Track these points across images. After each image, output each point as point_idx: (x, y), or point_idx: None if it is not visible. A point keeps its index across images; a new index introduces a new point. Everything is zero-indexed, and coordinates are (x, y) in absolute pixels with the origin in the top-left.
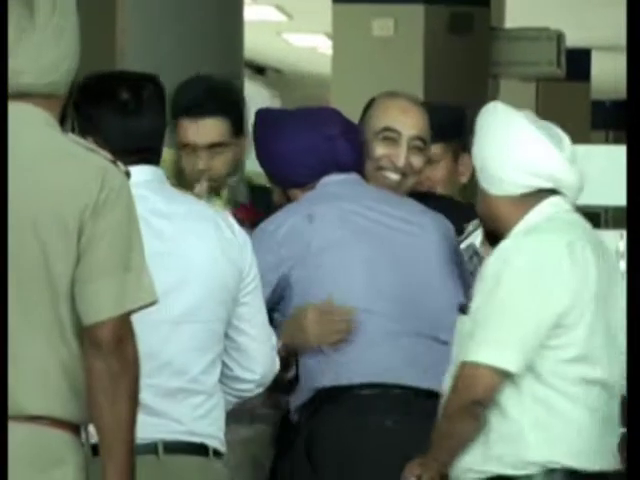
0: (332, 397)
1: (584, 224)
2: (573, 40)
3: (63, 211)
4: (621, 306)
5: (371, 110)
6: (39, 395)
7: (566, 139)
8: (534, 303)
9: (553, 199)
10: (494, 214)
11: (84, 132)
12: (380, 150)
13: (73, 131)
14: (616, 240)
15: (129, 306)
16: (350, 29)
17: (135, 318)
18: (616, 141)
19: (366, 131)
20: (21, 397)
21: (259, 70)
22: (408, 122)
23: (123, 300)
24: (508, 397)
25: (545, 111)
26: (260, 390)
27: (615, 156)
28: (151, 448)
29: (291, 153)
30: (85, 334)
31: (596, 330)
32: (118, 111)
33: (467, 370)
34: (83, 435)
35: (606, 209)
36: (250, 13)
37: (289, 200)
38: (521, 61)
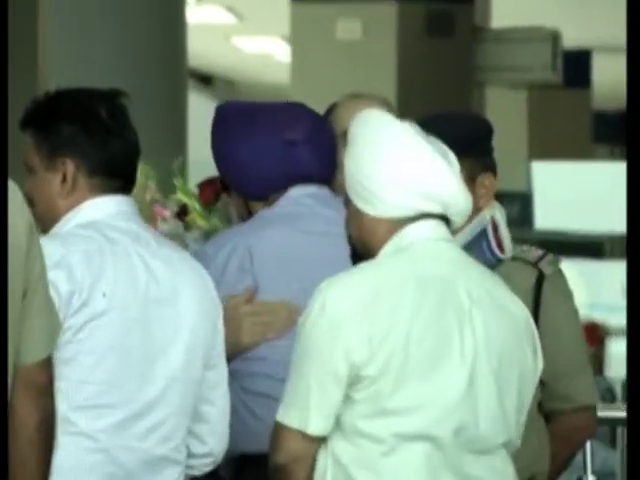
0: (258, 464)
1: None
2: (571, 40)
3: None
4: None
5: (332, 115)
6: None
7: (453, 157)
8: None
9: (428, 222)
10: (369, 236)
11: (55, 151)
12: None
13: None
14: (621, 273)
15: None
16: (311, 32)
17: (134, 370)
18: (622, 157)
19: None
20: None
21: (206, 80)
22: None
23: None
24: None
25: (539, 123)
26: (212, 468)
27: (621, 174)
28: None
29: (244, 160)
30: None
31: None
32: (99, 130)
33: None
34: None
35: (611, 237)
36: (195, 14)
37: (250, 214)
38: (510, 66)
